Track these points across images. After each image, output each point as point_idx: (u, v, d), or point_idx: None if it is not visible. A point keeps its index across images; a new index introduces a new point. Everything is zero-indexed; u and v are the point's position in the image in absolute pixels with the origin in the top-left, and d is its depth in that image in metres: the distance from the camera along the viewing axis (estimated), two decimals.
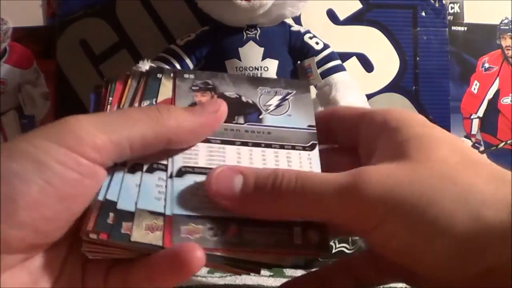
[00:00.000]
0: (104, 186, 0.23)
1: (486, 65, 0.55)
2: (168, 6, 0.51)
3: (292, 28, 0.44)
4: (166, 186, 0.24)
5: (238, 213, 0.24)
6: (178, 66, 0.43)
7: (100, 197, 0.23)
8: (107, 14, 0.52)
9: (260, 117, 0.28)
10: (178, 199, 0.24)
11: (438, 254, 0.21)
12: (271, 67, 0.42)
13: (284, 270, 0.41)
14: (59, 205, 0.21)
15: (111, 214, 0.23)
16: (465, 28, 0.55)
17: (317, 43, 0.44)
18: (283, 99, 0.28)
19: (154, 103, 0.27)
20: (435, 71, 0.52)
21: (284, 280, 0.38)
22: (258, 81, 0.29)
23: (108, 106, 0.27)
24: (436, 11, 0.53)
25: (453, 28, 0.54)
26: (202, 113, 0.25)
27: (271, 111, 0.28)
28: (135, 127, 0.23)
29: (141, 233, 0.23)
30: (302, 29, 0.45)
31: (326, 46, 0.45)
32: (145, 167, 0.24)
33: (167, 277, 0.23)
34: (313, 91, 0.46)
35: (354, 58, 0.52)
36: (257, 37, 0.42)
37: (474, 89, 0.55)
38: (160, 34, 0.51)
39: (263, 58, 0.42)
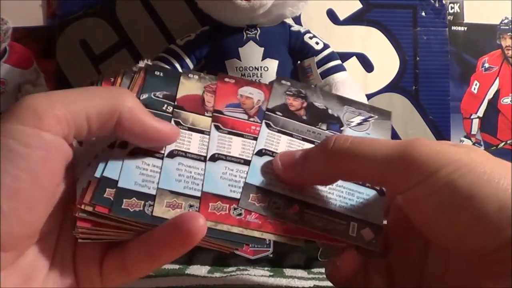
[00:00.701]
0: (101, 166, 0.25)
1: (486, 65, 0.55)
2: (168, 6, 0.51)
3: (292, 28, 0.44)
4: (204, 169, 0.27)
5: (297, 181, 0.27)
6: (178, 66, 0.43)
7: (97, 174, 0.25)
8: (107, 14, 0.52)
9: (341, 128, 0.30)
10: (255, 172, 0.27)
11: (464, 223, 0.21)
12: (271, 67, 0.42)
13: (284, 270, 0.41)
14: (33, 187, 0.22)
15: (109, 190, 0.25)
16: (465, 28, 0.55)
17: (317, 43, 0.44)
18: (365, 120, 0.31)
19: (152, 96, 0.28)
20: (435, 71, 0.52)
21: (284, 280, 0.38)
22: (345, 101, 0.31)
23: None
24: (436, 11, 0.53)
25: (453, 28, 0.54)
26: (159, 120, 0.26)
27: (352, 126, 0.30)
28: (93, 100, 0.24)
29: (162, 210, 0.25)
30: (302, 29, 0.45)
31: (326, 46, 0.45)
32: (166, 152, 0.27)
33: (169, 249, 0.24)
34: None
35: (354, 58, 0.52)
36: (257, 37, 0.42)
37: (474, 89, 0.55)
38: (160, 34, 0.51)
39: (263, 58, 0.42)
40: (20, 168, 0.21)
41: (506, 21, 0.55)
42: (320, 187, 0.27)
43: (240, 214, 0.26)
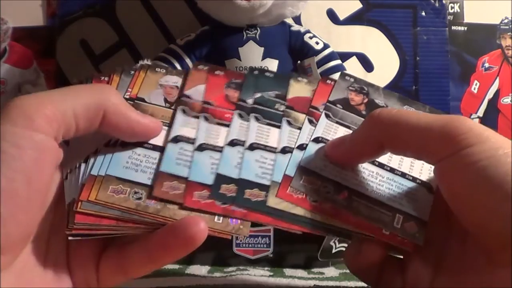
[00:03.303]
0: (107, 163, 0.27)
1: (486, 65, 0.55)
2: (168, 6, 0.51)
3: (292, 28, 0.44)
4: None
5: (345, 157, 0.28)
6: (178, 66, 0.43)
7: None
8: (107, 14, 0.52)
9: None
10: (310, 157, 0.28)
11: (497, 199, 0.21)
12: (271, 67, 0.42)
13: (284, 270, 0.41)
14: (27, 188, 0.22)
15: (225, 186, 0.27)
16: (465, 28, 0.55)
17: (317, 43, 0.44)
18: None
19: (265, 96, 0.30)
20: (435, 71, 0.52)
21: (284, 280, 0.38)
22: (406, 101, 0.32)
23: None
24: (436, 11, 0.53)
25: (453, 28, 0.54)
26: (142, 115, 0.27)
27: None
28: (79, 97, 0.24)
29: (275, 201, 0.27)
30: (302, 29, 0.45)
31: (326, 46, 0.45)
32: (247, 144, 0.28)
33: (170, 253, 0.24)
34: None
35: (354, 58, 0.52)
36: (257, 37, 0.42)
37: (474, 89, 0.55)
38: (160, 34, 0.51)
39: (263, 58, 0.42)
40: (14, 170, 0.21)
41: (506, 21, 0.55)
42: (371, 178, 0.28)
43: (315, 201, 0.27)
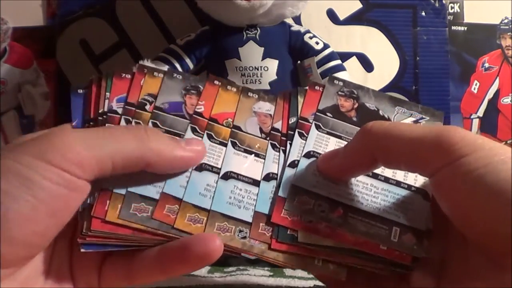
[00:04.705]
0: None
1: (486, 65, 0.55)
2: (168, 6, 0.51)
3: (292, 28, 0.44)
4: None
5: (338, 170, 0.27)
6: (178, 66, 0.43)
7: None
8: (107, 14, 0.52)
9: None
10: (301, 173, 0.28)
11: (498, 206, 0.20)
12: (271, 67, 0.42)
13: (284, 270, 0.41)
14: (49, 220, 0.22)
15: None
16: (465, 28, 0.55)
17: (317, 43, 0.44)
18: (416, 121, 0.30)
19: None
20: (435, 71, 0.52)
21: (284, 280, 0.38)
22: (397, 101, 0.31)
23: (106, 101, 0.28)
24: (436, 11, 0.53)
25: (453, 28, 0.54)
26: (185, 148, 0.26)
27: None
28: (120, 145, 0.24)
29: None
30: (302, 29, 0.45)
31: (326, 46, 0.44)
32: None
33: (184, 266, 0.24)
34: None
35: (354, 58, 0.52)
36: (257, 37, 0.42)
37: (474, 89, 0.55)
38: (160, 34, 0.51)
39: (263, 58, 0.42)
40: (39, 199, 0.21)
41: (506, 21, 0.55)
42: (365, 191, 0.28)
43: (310, 222, 0.26)
